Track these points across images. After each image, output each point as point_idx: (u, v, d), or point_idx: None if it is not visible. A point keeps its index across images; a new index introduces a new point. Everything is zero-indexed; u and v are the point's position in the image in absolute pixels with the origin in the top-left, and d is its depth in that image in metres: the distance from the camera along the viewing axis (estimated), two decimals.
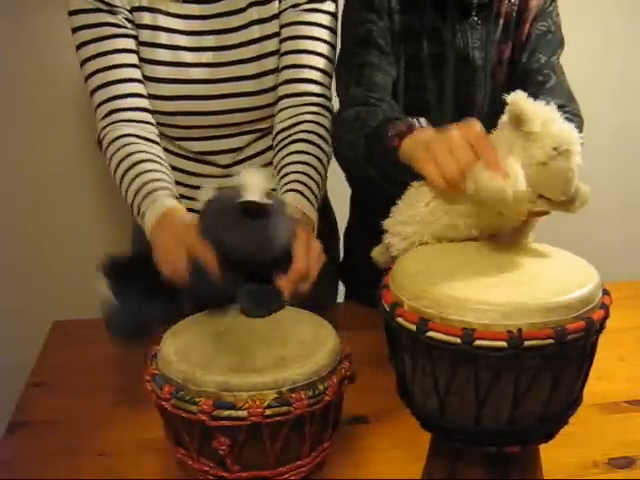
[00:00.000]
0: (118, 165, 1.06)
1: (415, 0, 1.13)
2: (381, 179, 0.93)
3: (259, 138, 1.21)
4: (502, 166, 0.71)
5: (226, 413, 0.68)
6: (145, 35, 1.12)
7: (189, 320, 0.81)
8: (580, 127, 1.15)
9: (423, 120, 0.90)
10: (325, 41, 1.15)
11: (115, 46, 1.10)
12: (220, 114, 1.16)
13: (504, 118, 0.78)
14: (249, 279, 0.84)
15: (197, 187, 0.98)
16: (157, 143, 1.12)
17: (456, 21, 1.13)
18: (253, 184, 0.83)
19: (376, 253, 0.87)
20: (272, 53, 1.15)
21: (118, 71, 1.10)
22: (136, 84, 1.11)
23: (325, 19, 1.15)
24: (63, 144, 1.81)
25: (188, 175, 1.21)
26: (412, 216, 0.80)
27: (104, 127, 1.11)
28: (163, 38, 1.12)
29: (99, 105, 1.11)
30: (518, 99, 0.75)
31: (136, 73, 1.12)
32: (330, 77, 1.17)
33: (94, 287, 1.88)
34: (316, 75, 1.14)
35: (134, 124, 1.11)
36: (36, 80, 1.75)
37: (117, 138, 1.09)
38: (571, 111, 1.13)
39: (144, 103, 1.12)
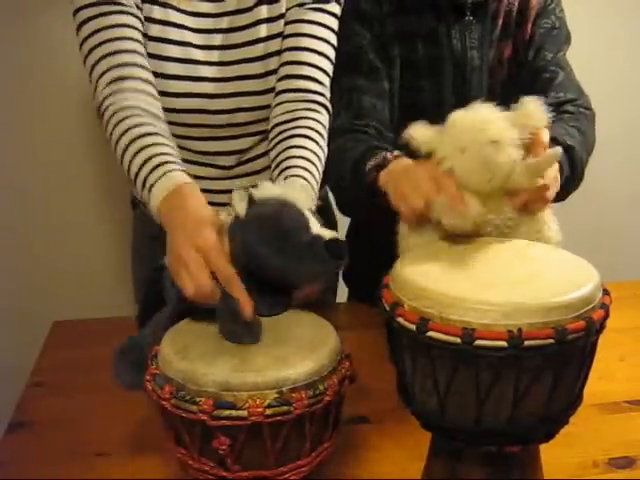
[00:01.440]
0: (122, 135, 1.00)
1: (410, 3, 1.13)
2: (368, 202, 0.99)
3: (263, 140, 1.21)
4: (459, 198, 0.78)
5: (226, 413, 0.68)
6: (155, 30, 1.11)
7: (189, 320, 0.81)
8: (593, 119, 1.15)
9: (396, 151, 0.98)
10: (327, 41, 1.15)
11: (118, 21, 1.05)
12: (226, 113, 1.15)
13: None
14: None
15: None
16: (162, 120, 1.06)
17: (451, 22, 1.13)
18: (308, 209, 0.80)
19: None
20: (278, 52, 1.14)
21: (122, 42, 1.05)
22: (140, 57, 1.06)
23: (328, 19, 1.15)
24: (64, 144, 1.81)
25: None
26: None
27: (107, 95, 1.04)
28: (173, 34, 1.11)
29: (101, 75, 1.05)
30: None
31: (140, 48, 1.07)
32: (329, 76, 1.16)
33: (94, 287, 1.89)
34: (316, 73, 1.14)
35: (140, 95, 1.05)
36: (40, 81, 1.76)
37: (122, 109, 1.02)
38: (583, 104, 1.14)
39: (149, 77, 1.07)
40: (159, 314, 0.85)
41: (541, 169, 0.80)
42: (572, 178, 1.02)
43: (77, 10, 1.07)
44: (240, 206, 0.80)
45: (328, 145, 1.11)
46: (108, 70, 1.04)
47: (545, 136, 0.82)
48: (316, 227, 0.78)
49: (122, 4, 1.06)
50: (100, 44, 1.05)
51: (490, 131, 0.77)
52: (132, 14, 1.07)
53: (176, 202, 0.88)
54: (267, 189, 0.81)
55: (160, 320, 0.83)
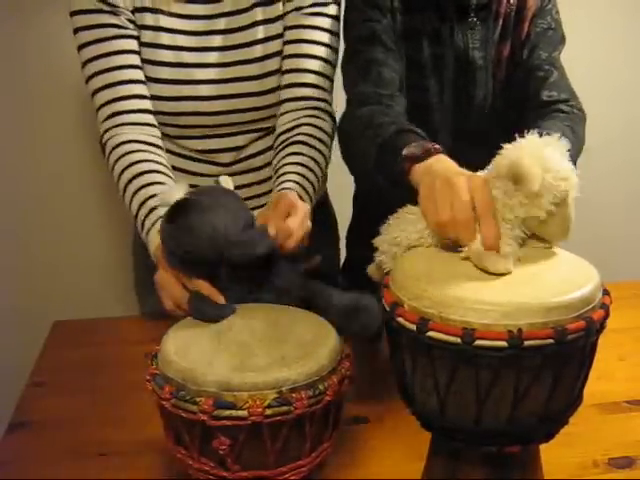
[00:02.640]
0: (122, 173, 1.06)
1: (415, 1, 1.13)
2: (388, 185, 0.92)
3: (260, 137, 1.21)
4: (497, 245, 0.72)
5: (226, 413, 0.68)
6: (147, 36, 1.12)
7: (189, 320, 0.81)
8: (584, 121, 1.15)
9: (438, 146, 0.86)
10: (327, 45, 1.15)
11: (117, 47, 1.10)
12: (223, 114, 1.16)
13: (498, 167, 0.75)
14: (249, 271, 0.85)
15: (197, 186, 0.98)
16: (160, 147, 1.12)
17: (455, 22, 1.13)
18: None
19: (371, 270, 0.88)
20: (275, 54, 1.15)
21: (120, 72, 1.10)
22: (138, 85, 1.11)
23: (328, 23, 1.15)
24: (64, 145, 1.81)
25: (188, 175, 1.21)
26: (403, 239, 0.80)
27: (107, 130, 1.11)
28: (165, 39, 1.12)
29: (101, 107, 1.11)
30: (517, 158, 0.71)
31: (138, 74, 1.11)
32: (331, 81, 1.17)
33: (94, 287, 1.89)
34: (316, 79, 1.15)
35: (137, 127, 1.10)
36: (39, 81, 1.75)
37: (120, 144, 1.08)
38: (576, 106, 1.14)
39: (146, 104, 1.12)
40: None
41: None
42: None
43: (77, 30, 1.11)
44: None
45: (346, 114, 1.08)
46: (107, 103, 1.10)
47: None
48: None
49: (120, 27, 1.09)
50: (101, 72, 1.11)
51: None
52: (130, 36, 1.11)
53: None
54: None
55: None
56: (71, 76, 1.68)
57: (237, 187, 1.22)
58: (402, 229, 0.80)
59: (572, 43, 1.21)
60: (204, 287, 0.85)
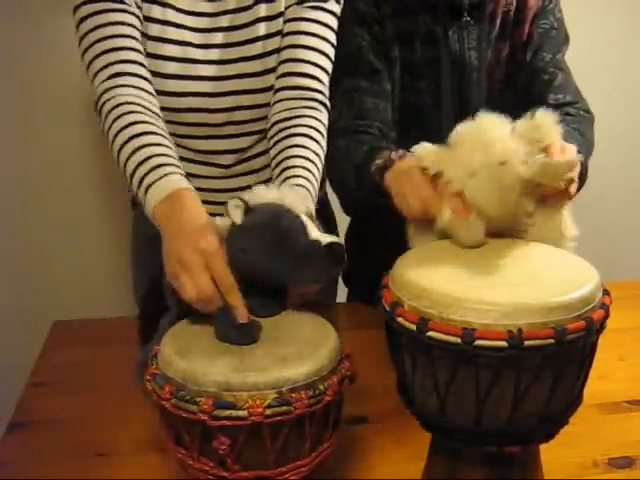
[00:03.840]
0: (119, 132, 0.99)
1: (407, 4, 1.13)
2: (370, 203, 0.99)
3: (262, 139, 1.21)
4: (463, 209, 0.77)
5: (226, 413, 0.68)
6: (154, 29, 1.11)
7: (189, 320, 0.81)
8: (592, 123, 1.15)
9: (401, 151, 0.96)
10: (326, 39, 1.15)
11: (118, 19, 1.05)
12: (225, 111, 1.15)
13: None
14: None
15: (198, 189, 0.96)
16: (160, 117, 1.05)
17: (448, 22, 1.13)
18: (304, 212, 0.80)
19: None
20: (276, 51, 1.15)
21: (120, 40, 1.05)
22: (139, 55, 1.06)
23: (327, 17, 1.15)
24: (64, 145, 1.81)
25: (189, 177, 1.21)
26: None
27: (105, 91, 1.04)
28: (172, 33, 1.12)
29: (99, 70, 1.04)
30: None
31: (139, 46, 1.07)
32: (328, 74, 1.16)
33: (94, 287, 1.89)
34: (315, 71, 1.14)
35: (138, 92, 1.04)
36: (40, 80, 1.75)
37: (121, 104, 1.01)
38: (582, 107, 1.14)
39: (147, 74, 1.07)
40: (162, 320, 0.85)
41: (558, 171, 0.78)
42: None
43: (77, 6, 1.07)
44: (235, 214, 0.79)
45: (329, 146, 1.11)
46: (107, 66, 1.04)
47: (557, 146, 0.80)
48: (314, 231, 0.78)
49: (123, 2, 1.06)
50: (99, 40, 1.05)
51: (497, 152, 0.75)
52: (132, 13, 1.08)
53: (175, 206, 0.87)
54: (261, 195, 0.81)
55: (164, 327, 0.83)
56: (75, 76, 1.69)
57: (237, 189, 1.22)
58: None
59: (571, 42, 1.21)
60: (236, 297, 0.78)
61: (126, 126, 0.98)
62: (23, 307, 1.85)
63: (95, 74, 1.05)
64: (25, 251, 1.86)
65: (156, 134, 0.98)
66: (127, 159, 0.96)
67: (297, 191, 0.96)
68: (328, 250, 0.77)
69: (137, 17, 1.08)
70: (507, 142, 0.77)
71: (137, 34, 1.07)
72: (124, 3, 1.07)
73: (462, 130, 0.80)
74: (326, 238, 0.78)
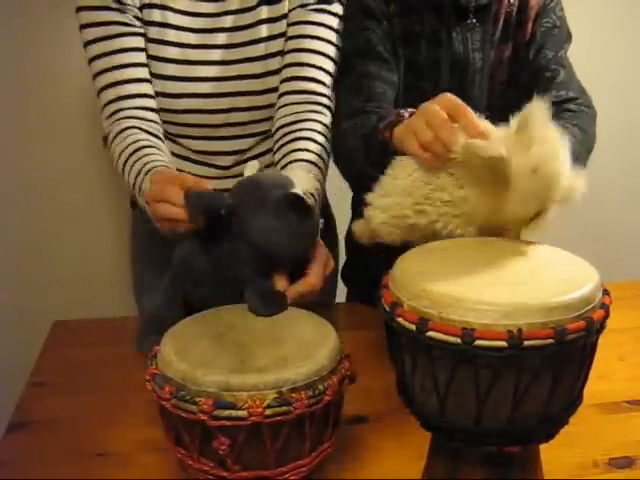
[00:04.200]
0: (121, 154, 1.06)
1: (414, 4, 1.13)
2: (379, 172, 0.94)
3: (262, 140, 1.21)
4: (480, 128, 0.76)
5: (226, 413, 0.68)
6: (154, 32, 1.12)
7: (189, 320, 0.81)
8: (594, 118, 1.15)
9: (411, 109, 0.92)
10: (330, 42, 1.15)
11: (123, 45, 1.09)
12: (226, 112, 1.16)
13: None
14: (259, 270, 0.84)
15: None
16: (161, 139, 1.11)
17: (453, 24, 1.13)
18: (300, 180, 0.83)
19: (357, 226, 0.89)
20: (278, 53, 1.15)
21: (125, 71, 1.09)
22: (143, 84, 1.11)
23: (332, 20, 1.15)
24: (64, 145, 1.81)
25: None
26: (394, 187, 0.83)
27: (110, 125, 1.11)
28: (171, 35, 1.12)
29: (106, 105, 1.11)
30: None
31: (143, 72, 1.11)
32: (332, 77, 1.16)
33: (94, 287, 1.89)
34: (319, 75, 1.14)
35: (140, 121, 1.11)
36: (40, 80, 1.76)
37: (122, 130, 1.08)
38: (584, 103, 1.14)
39: (150, 103, 1.12)
40: (163, 287, 0.91)
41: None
42: None
43: (83, 27, 1.10)
44: (249, 171, 0.90)
45: (336, 127, 1.11)
46: (112, 101, 1.11)
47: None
48: (299, 191, 0.82)
49: (127, 24, 1.09)
50: (106, 71, 1.11)
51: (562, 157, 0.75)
52: (136, 34, 1.10)
53: (154, 177, 0.96)
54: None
55: (165, 291, 0.90)
56: (74, 77, 1.69)
57: None
58: (394, 176, 0.84)
59: (573, 39, 1.21)
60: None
61: (126, 147, 1.07)
62: (23, 307, 1.85)
63: (102, 106, 1.13)
64: (25, 251, 1.86)
65: (152, 147, 1.06)
66: (129, 172, 1.04)
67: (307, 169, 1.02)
68: (289, 197, 0.81)
69: (141, 35, 1.13)
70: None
71: (142, 57, 1.13)
72: (129, 25, 1.09)
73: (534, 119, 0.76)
74: (297, 193, 0.81)
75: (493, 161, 0.74)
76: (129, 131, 1.09)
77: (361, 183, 1.19)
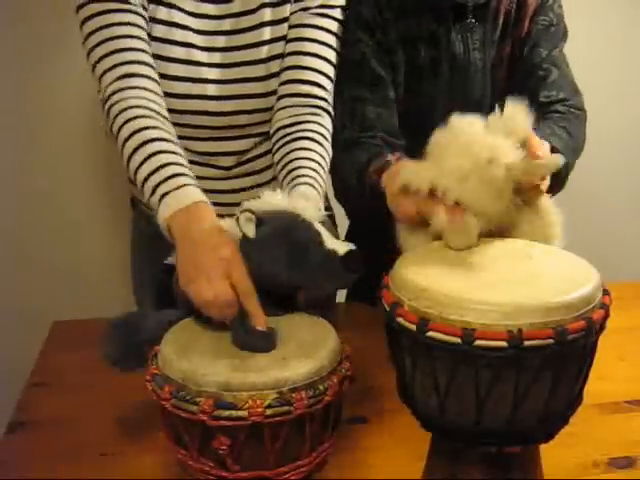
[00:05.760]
0: (130, 136, 0.99)
1: (409, 7, 1.12)
2: (371, 206, 0.97)
3: (264, 141, 1.21)
4: (458, 212, 0.76)
5: (226, 413, 0.68)
6: (160, 31, 1.10)
7: (189, 320, 0.81)
8: (584, 120, 1.15)
9: (397, 153, 1.00)
10: (330, 46, 1.14)
11: (124, 19, 1.05)
12: (227, 115, 1.15)
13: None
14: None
15: None
16: (167, 119, 1.04)
17: (451, 24, 1.12)
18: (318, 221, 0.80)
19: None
20: (280, 56, 1.14)
21: (125, 40, 1.04)
22: (147, 56, 1.06)
23: (332, 24, 1.14)
24: (64, 144, 1.81)
25: None
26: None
27: (114, 92, 1.03)
28: (177, 35, 1.11)
29: (106, 72, 1.04)
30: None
31: (146, 46, 1.06)
32: (332, 82, 1.16)
33: (94, 287, 1.88)
34: (319, 78, 1.14)
35: (147, 94, 1.04)
36: (41, 80, 1.75)
37: (130, 108, 1.01)
38: (574, 104, 1.13)
39: (155, 74, 1.07)
40: (166, 312, 0.85)
41: (541, 171, 0.79)
42: (555, 179, 1.02)
43: (81, 6, 1.07)
44: (248, 227, 0.79)
45: (332, 157, 1.11)
46: (114, 67, 1.03)
47: (536, 141, 0.80)
48: (330, 240, 0.78)
49: (128, 2, 1.06)
50: (106, 40, 1.04)
51: (481, 151, 0.75)
52: (138, 13, 1.07)
53: (193, 217, 0.87)
54: (270, 202, 0.81)
55: (164, 319, 0.83)
56: (76, 76, 1.69)
57: (237, 190, 1.22)
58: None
59: (569, 38, 1.21)
60: (255, 303, 0.78)
61: (137, 131, 0.98)
62: (23, 307, 1.85)
63: (102, 75, 1.04)
64: (25, 251, 1.86)
65: (167, 141, 0.98)
66: (138, 166, 0.96)
67: (307, 196, 0.96)
68: (345, 260, 0.77)
69: (143, 17, 1.08)
70: (486, 139, 0.77)
71: (143, 34, 1.07)
72: (129, 3, 1.06)
73: (437, 139, 0.79)
74: (342, 247, 0.78)
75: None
76: (138, 110, 1.00)
77: (358, 214, 1.21)
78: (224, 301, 0.77)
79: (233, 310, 0.77)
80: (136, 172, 0.96)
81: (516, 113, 0.80)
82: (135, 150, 0.97)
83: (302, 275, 0.78)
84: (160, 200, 0.91)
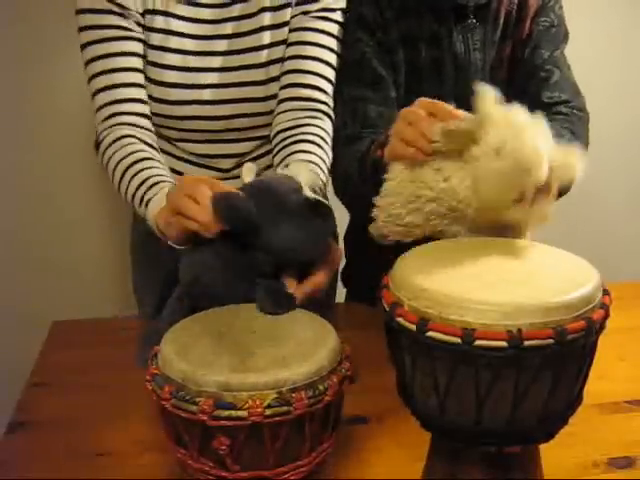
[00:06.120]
0: (119, 162, 1.04)
1: (411, 7, 1.12)
2: (372, 192, 0.96)
3: (263, 144, 1.21)
4: (457, 114, 0.81)
5: (226, 413, 0.68)
6: (156, 39, 1.11)
7: (189, 320, 0.81)
8: (586, 122, 1.15)
9: None
10: (331, 49, 1.14)
11: (121, 49, 1.08)
12: (227, 119, 1.15)
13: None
14: (270, 270, 0.84)
15: None
16: (157, 150, 1.11)
17: (452, 24, 1.12)
18: (303, 176, 0.84)
19: (371, 228, 0.92)
20: (280, 60, 1.14)
21: (121, 75, 1.08)
22: (139, 89, 1.10)
23: (334, 28, 1.14)
24: (64, 144, 1.81)
25: None
26: (388, 187, 0.87)
27: (104, 130, 1.10)
28: (173, 42, 1.12)
29: (100, 108, 1.10)
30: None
31: (140, 78, 1.10)
32: (332, 85, 1.16)
33: (94, 287, 1.89)
34: (319, 82, 1.14)
35: (135, 129, 1.10)
36: (40, 80, 1.76)
37: (118, 139, 1.07)
38: (576, 106, 1.13)
39: (145, 109, 1.11)
40: (170, 299, 0.89)
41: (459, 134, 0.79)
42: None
43: (82, 29, 1.09)
44: (248, 175, 0.89)
45: (335, 154, 1.11)
46: (107, 105, 1.09)
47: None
48: (308, 192, 0.83)
49: (126, 29, 1.08)
50: (103, 73, 1.09)
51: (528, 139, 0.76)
52: (135, 39, 1.09)
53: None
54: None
55: (171, 303, 0.88)
56: (75, 76, 1.68)
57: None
58: (388, 179, 0.88)
59: (570, 39, 1.21)
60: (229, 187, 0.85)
61: (123, 158, 1.05)
62: (23, 307, 1.85)
63: (97, 109, 1.12)
64: (25, 251, 1.86)
65: (151, 159, 1.05)
66: (128, 185, 1.02)
67: (307, 167, 1.01)
68: (314, 205, 0.82)
69: (140, 41, 1.11)
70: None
71: (139, 63, 1.11)
72: (128, 29, 1.08)
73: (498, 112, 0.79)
74: (315, 197, 0.83)
75: (469, 138, 0.77)
76: (126, 140, 1.07)
77: (357, 206, 1.20)
78: (205, 205, 0.81)
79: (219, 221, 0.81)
80: (126, 191, 1.03)
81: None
82: (123, 174, 1.04)
83: (281, 218, 0.82)
84: (146, 207, 0.98)
